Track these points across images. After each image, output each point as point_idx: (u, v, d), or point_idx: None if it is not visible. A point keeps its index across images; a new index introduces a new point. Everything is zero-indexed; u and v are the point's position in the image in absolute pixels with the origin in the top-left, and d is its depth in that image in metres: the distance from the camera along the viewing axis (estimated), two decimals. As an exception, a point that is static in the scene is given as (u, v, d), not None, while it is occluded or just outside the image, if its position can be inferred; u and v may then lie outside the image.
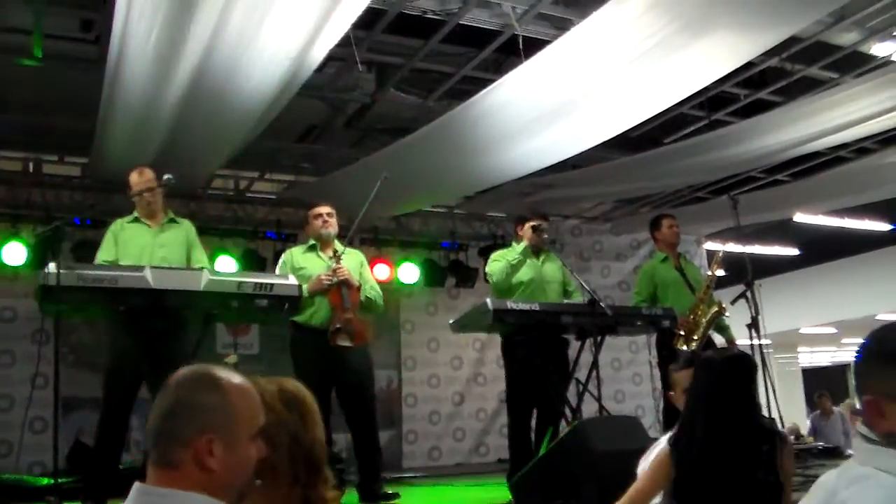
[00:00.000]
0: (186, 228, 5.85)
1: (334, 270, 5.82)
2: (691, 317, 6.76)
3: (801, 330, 18.83)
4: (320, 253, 6.14)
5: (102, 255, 5.56)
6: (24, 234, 8.02)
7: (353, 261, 6.15)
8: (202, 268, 5.29)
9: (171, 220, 5.81)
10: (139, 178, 5.66)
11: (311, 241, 6.25)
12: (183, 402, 1.73)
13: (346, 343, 5.69)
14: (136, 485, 1.71)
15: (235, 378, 1.80)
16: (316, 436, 2.06)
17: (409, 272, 9.82)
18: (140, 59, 5.36)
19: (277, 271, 6.10)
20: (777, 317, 14.01)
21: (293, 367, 6.13)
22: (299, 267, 6.01)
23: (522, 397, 6.16)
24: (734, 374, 3.37)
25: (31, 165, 8.72)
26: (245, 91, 5.89)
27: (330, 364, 5.79)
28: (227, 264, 8.60)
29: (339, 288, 5.80)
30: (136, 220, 5.71)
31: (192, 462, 1.68)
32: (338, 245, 6.13)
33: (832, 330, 19.23)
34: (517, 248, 6.48)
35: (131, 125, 6.51)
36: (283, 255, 6.40)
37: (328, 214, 6.16)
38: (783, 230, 12.58)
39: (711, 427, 3.31)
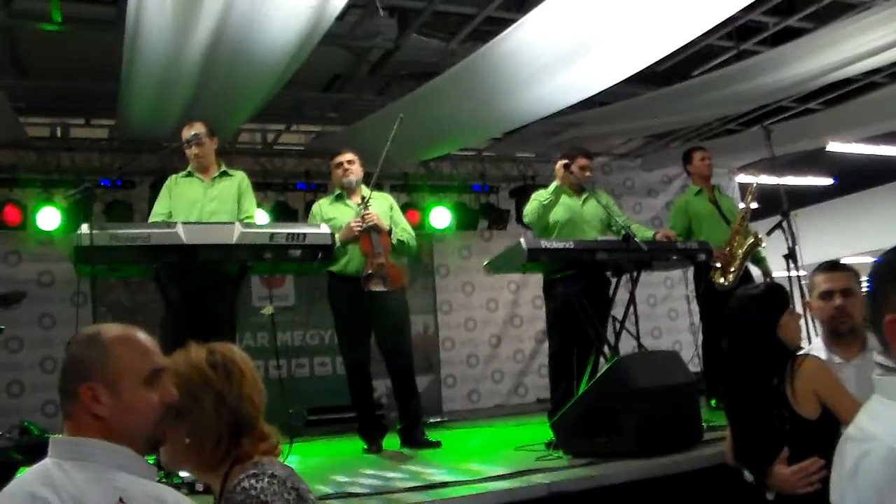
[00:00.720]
0: (238, 180, 5.83)
1: (363, 217, 5.82)
2: (727, 249, 6.71)
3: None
4: (348, 201, 6.14)
5: (157, 209, 5.66)
6: (56, 199, 8.09)
7: (382, 205, 6.14)
8: (235, 221, 5.28)
9: (224, 174, 5.80)
10: (187, 132, 5.68)
11: (337, 191, 6.25)
12: (70, 359, 1.96)
13: (380, 288, 5.70)
14: (51, 437, 1.90)
15: (119, 331, 1.98)
16: (244, 393, 2.10)
17: (441, 216, 9.77)
18: (158, 17, 5.33)
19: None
20: (813, 248, 13.85)
21: (332, 316, 6.19)
22: (329, 217, 6.02)
23: (562, 336, 6.15)
24: (749, 310, 3.33)
25: (58, 130, 8.76)
26: (266, 43, 5.84)
27: (367, 311, 5.85)
28: (258, 217, 8.62)
29: (369, 234, 5.81)
30: (190, 174, 5.75)
31: (83, 411, 1.87)
32: (365, 190, 6.10)
33: (870, 259, 19.01)
34: (550, 188, 6.41)
35: (154, 85, 6.51)
36: (312, 208, 6.41)
37: (348, 162, 6.16)
38: (817, 160, 12.36)
39: (730, 368, 3.31)
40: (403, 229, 6.18)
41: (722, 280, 6.69)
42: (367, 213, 5.84)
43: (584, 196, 6.48)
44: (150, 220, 5.67)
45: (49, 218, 8.08)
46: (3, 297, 6.35)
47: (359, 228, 5.81)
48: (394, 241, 6.00)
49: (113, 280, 8.11)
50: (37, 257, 8.36)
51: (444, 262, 10.12)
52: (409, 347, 6.23)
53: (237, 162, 8.96)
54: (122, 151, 8.67)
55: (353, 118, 8.51)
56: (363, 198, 5.97)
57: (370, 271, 5.72)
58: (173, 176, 5.83)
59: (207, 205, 5.59)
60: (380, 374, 6.35)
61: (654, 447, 4.52)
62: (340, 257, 5.92)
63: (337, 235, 5.77)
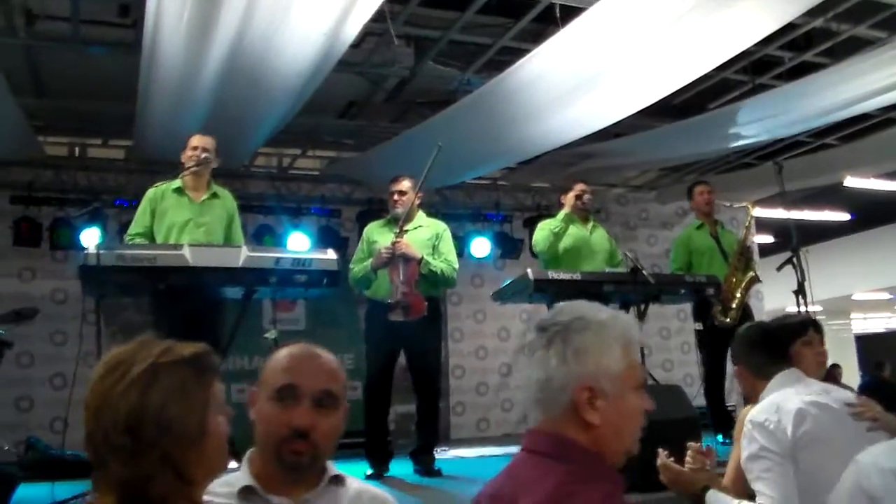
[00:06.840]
0: (227, 203, 5.79)
1: (393, 244, 5.82)
2: (725, 287, 6.65)
3: (854, 296, 18.49)
4: (395, 228, 6.10)
5: (135, 228, 5.55)
6: (69, 217, 8.16)
7: (426, 233, 6.10)
8: (241, 245, 5.29)
9: (214, 195, 5.74)
10: (199, 143, 5.62)
11: (390, 216, 6.26)
12: None
13: (399, 318, 5.68)
14: None
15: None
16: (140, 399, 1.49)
17: (482, 246, 9.98)
18: (174, 41, 5.39)
19: (359, 244, 6.22)
20: (829, 283, 13.76)
21: (364, 339, 6.24)
22: (373, 241, 6.07)
23: None
24: None
25: (76, 150, 8.87)
26: (280, 68, 5.90)
27: (396, 336, 5.83)
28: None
29: (398, 262, 5.80)
30: (180, 189, 5.63)
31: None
32: (421, 216, 6.14)
33: (886, 295, 18.85)
34: (559, 216, 6.41)
35: (169, 107, 6.58)
36: (365, 228, 6.47)
37: (399, 193, 6.08)
38: (834, 195, 12.33)
39: None
40: (445, 259, 6.09)
41: (723, 317, 6.64)
42: (397, 242, 5.80)
43: (590, 225, 6.48)
44: (127, 235, 5.58)
45: (63, 236, 8.16)
46: (16, 313, 6.38)
47: (388, 256, 5.82)
48: (423, 271, 5.93)
49: (125, 299, 8.16)
50: (51, 274, 8.43)
51: (456, 290, 10.08)
52: (436, 373, 6.25)
53: (252, 185, 9.05)
54: (137, 172, 8.73)
55: (368, 144, 8.57)
56: (401, 227, 5.95)
57: (390, 301, 5.73)
58: (159, 188, 5.65)
59: (196, 231, 5.49)
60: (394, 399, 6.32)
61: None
62: (373, 282, 5.97)
63: (371, 261, 5.85)
